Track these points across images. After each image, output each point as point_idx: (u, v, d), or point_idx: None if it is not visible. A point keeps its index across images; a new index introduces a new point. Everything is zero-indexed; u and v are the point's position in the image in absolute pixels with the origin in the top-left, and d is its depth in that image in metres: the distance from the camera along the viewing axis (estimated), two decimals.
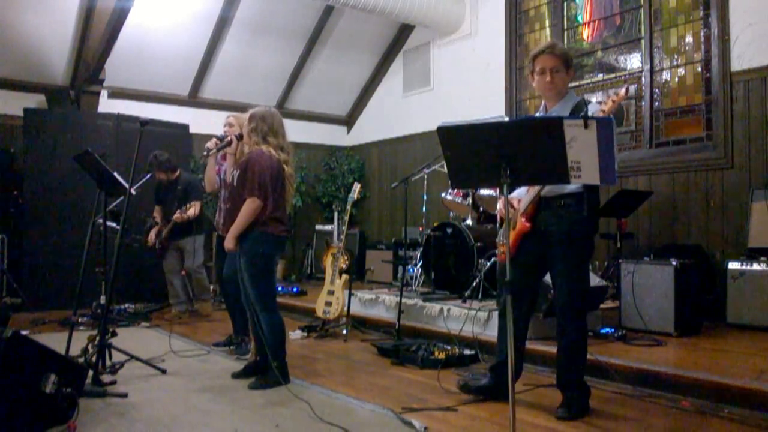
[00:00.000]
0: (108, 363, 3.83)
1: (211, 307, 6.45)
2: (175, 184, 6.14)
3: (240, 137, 3.94)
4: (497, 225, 3.57)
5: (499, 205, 3.39)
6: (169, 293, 6.42)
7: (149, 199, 6.34)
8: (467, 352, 4.28)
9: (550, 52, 3.12)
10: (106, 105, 7.59)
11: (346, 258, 5.48)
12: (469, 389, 3.37)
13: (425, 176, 5.91)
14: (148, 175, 5.29)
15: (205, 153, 4.28)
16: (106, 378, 3.65)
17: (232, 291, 4.49)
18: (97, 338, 3.77)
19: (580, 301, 3.15)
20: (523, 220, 3.17)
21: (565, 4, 7.04)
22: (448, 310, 4.94)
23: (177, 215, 5.87)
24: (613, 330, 4.47)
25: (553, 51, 3.12)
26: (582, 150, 2.38)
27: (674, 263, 4.56)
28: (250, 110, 3.84)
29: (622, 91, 2.91)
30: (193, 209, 5.94)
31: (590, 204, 3.09)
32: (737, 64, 5.42)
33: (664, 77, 6.11)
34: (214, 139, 4.23)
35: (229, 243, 3.67)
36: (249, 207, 3.60)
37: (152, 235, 6.19)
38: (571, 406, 3.10)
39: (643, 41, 6.24)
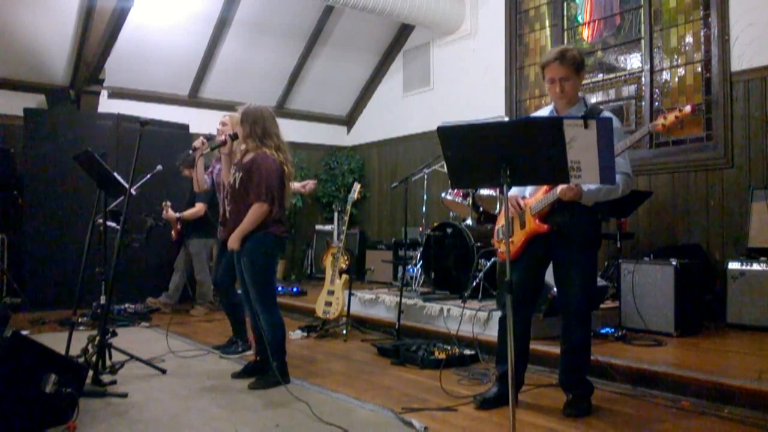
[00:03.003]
0: (108, 363, 3.83)
1: (204, 312, 6.48)
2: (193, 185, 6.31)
3: (234, 136, 3.90)
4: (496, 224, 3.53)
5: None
6: None
7: (149, 199, 6.35)
8: (467, 352, 4.29)
9: (559, 62, 3.01)
10: (106, 105, 7.59)
11: (346, 258, 5.47)
12: (486, 402, 3.23)
13: (425, 176, 5.92)
14: (149, 175, 5.30)
15: (190, 151, 4.27)
16: (106, 378, 3.65)
17: (228, 294, 4.50)
18: (97, 338, 3.77)
19: (590, 302, 3.21)
20: (538, 221, 3.12)
21: (565, 4, 7.04)
22: (448, 310, 4.94)
23: (164, 212, 6.27)
24: (613, 330, 4.47)
25: (563, 60, 3.01)
26: (582, 150, 2.38)
27: (674, 263, 4.56)
28: (239, 108, 3.79)
29: (688, 108, 2.90)
30: (194, 209, 6.22)
31: (601, 207, 3.15)
32: (737, 64, 5.42)
33: (664, 77, 6.11)
34: (201, 138, 4.21)
35: (234, 243, 3.66)
36: (257, 211, 3.59)
37: (173, 231, 6.55)
38: (580, 404, 3.11)
39: (643, 41, 6.24)
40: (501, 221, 3.40)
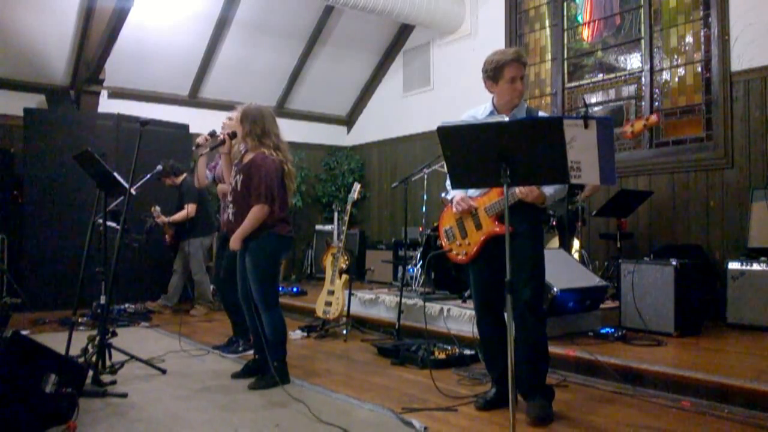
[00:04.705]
0: (108, 363, 3.83)
1: (204, 312, 6.49)
2: (179, 188, 6.46)
3: (233, 135, 3.91)
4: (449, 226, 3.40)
5: (458, 207, 3.20)
6: None
7: (149, 199, 6.36)
8: (467, 352, 4.28)
9: (521, 61, 3.12)
10: (106, 105, 7.59)
11: (346, 258, 5.47)
12: (487, 404, 3.21)
13: (425, 176, 5.91)
14: (149, 175, 5.30)
15: (194, 148, 4.29)
16: (106, 378, 3.65)
17: (229, 294, 4.50)
18: (97, 338, 3.77)
19: (542, 297, 3.21)
20: (497, 222, 3.08)
21: (565, 4, 7.04)
22: (448, 310, 4.94)
23: (155, 218, 6.37)
24: (613, 330, 4.47)
25: (524, 60, 3.15)
26: (582, 150, 2.37)
27: (674, 263, 4.56)
28: (239, 107, 3.80)
29: (654, 117, 2.93)
30: (183, 212, 6.31)
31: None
32: (737, 64, 5.42)
33: (664, 77, 6.11)
34: (204, 135, 4.23)
35: (235, 244, 3.67)
36: (257, 213, 3.59)
37: (167, 236, 6.63)
38: (545, 415, 2.99)
39: (643, 41, 6.24)
40: (446, 224, 3.36)
